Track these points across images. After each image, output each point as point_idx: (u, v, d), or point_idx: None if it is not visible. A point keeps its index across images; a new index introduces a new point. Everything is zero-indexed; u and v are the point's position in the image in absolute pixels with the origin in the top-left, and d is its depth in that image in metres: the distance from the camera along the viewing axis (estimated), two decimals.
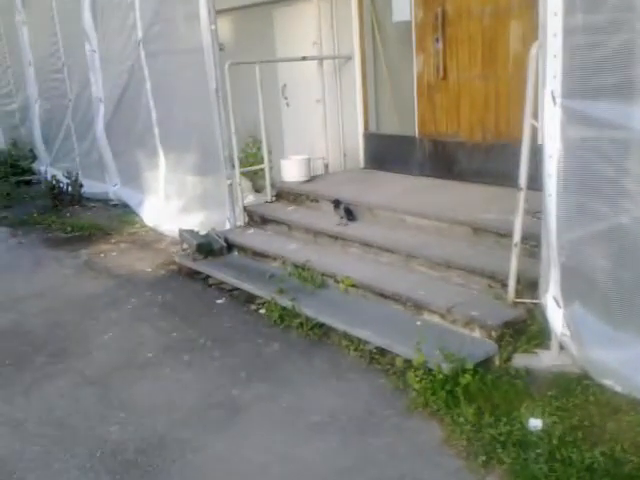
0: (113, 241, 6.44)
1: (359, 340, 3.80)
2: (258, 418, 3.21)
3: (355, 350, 3.76)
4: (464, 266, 4.00)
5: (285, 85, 6.58)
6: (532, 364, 3.37)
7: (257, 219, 5.75)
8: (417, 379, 3.28)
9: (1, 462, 2.98)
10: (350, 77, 6.16)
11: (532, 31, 4.59)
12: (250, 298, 4.67)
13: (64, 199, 7.90)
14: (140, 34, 6.33)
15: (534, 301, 3.55)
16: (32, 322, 4.56)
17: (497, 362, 3.41)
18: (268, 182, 5.93)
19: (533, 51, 3.10)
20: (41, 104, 9.34)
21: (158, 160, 6.64)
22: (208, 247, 5.38)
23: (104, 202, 7.91)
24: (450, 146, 5.42)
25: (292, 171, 5.91)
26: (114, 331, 4.32)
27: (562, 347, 3.33)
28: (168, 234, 6.31)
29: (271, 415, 3.23)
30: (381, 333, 3.73)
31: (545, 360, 3.37)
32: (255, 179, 6.71)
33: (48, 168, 9.20)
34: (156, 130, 6.53)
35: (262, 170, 6.03)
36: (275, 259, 5.03)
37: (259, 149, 7.03)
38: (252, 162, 6.45)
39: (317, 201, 5.52)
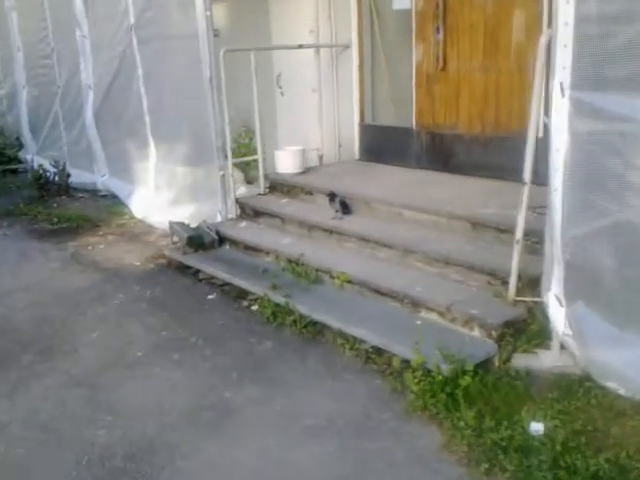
0: (101, 233, 6.28)
1: (355, 339, 3.69)
2: (251, 421, 3.09)
3: (351, 349, 3.65)
4: (463, 262, 3.90)
5: (280, 74, 6.42)
6: (532, 365, 3.28)
7: (249, 212, 5.61)
8: (415, 380, 3.18)
9: None
10: (347, 66, 6.01)
11: (536, 21, 4.50)
12: (242, 294, 4.54)
13: (51, 189, 7.70)
14: (132, 20, 6.15)
15: (535, 299, 3.45)
16: (18, 318, 4.42)
17: (497, 363, 3.31)
18: (261, 174, 5.79)
19: (543, 40, 2.98)
20: (29, 90, 9.13)
21: (148, 150, 6.48)
22: (199, 240, 5.24)
23: (92, 192, 7.73)
24: (448, 138, 5.30)
25: (286, 162, 5.77)
26: (102, 328, 4.19)
27: (563, 347, 3.24)
28: (158, 226, 6.17)
29: (264, 418, 3.11)
30: (378, 331, 3.62)
31: (546, 361, 3.28)
32: (247, 170, 6.55)
33: (35, 157, 9.01)
34: (147, 119, 6.36)
35: (254, 161, 5.89)
36: (268, 253, 4.90)
37: (251, 139, 6.85)
38: (244, 152, 6.30)
39: (311, 194, 5.39)
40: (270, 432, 3.00)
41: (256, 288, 4.42)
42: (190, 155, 5.93)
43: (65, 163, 7.94)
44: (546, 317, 3.32)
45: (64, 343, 4.00)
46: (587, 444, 2.68)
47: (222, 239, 5.33)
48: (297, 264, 4.51)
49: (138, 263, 5.39)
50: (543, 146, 3.19)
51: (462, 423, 2.88)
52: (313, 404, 3.21)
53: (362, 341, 3.65)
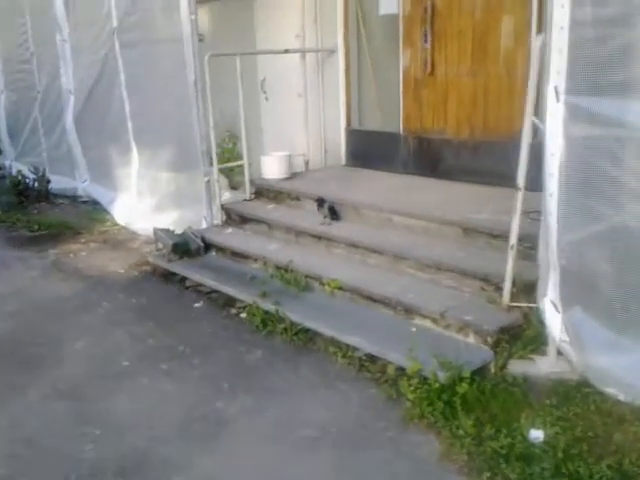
0: (83, 240, 6.14)
1: (348, 346, 3.62)
2: (245, 433, 3.01)
3: (343, 357, 3.59)
4: (455, 268, 3.86)
5: (264, 79, 6.36)
6: (529, 371, 3.24)
7: (235, 218, 5.53)
8: (411, 388, 3.13)
9: None
10: (333, 71, 5.96)
11: (524, 26, 4.50)
12: (230, 301, 4.46)
13: (30, 195, 7.53)
14: (115, 23, 6.05)
15: (530, 305, 3.42)
16: None
17: (493, 369, 3.27)
18: (247, 179, 5.71)
19: (537, 43, 2.96)
20: (7, 96, 8.94)
21: (131, 155, 6.36)
22: (184, 247, 5.15)
23: (73, 199, 7.57)
24: (436, 143, 5.27)
25: (272, 168, 5.70)
26: (86, 338, 4.07)
27: (560, 353, 3.21)
28: (141, 233, 6.05)
29: (258, 429, 3.03)
30: (371, 339, 3.56)
31: (542, 366, 3.25)
32: (231, 176, 6.48)
33: (13, 163, 8.80)
34: (129, 124, 6.25)
35: (239, 166, 5.81)
36: (256, 260, 4.83)
37: (235, 144, 6.79)
38: (228, 158, 6.22)
39: (299, 199, 5.33)
40: (265, 444, 2.92)
41: (244, 295, 4.34)
42: (174, 160, 5.83)
43: (45, 169, 7.77)
44: (541, 323, 3.29)
45: (48, 353, 3.87)
46: (589, 451, 2.65)
47: (208, 246, 5.24)
48: (286, 271, 4.44)
49: (122, 270, 5.28)
50: (534, 151, 3.18)
51: (461, 431, 2.83)
52: (307, 414, 3.13)
53: (355, 349, 3.59)
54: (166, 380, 3.51)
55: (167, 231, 5.31)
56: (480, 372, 3.20)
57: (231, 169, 6.15)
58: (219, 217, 5.57)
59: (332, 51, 5.93)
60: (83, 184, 7.50)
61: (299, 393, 3.33)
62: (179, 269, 5.01)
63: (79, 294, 4.81)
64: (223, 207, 5.58)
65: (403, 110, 5.46)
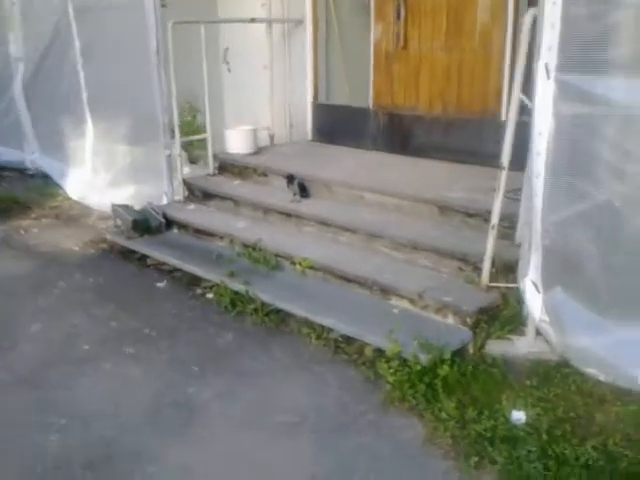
0: (33, 216, 5.79)
1: (322, 327, 3.51)
2: (220, 419, 2.86)
3: (318, 338, 3.47)
4: (431, 247, 3.79)
5: (227, 49, 6.09)
6: (508, 351, 3.21)
7: (198, 194, 5.31)
8: (391, 370, 3.04)
9: None
10: (300, 43, 5.77)
11: (502, 1, 4.41)
12: (194, 280, 4.27)
13: None
14: None
15: (509, 285, 3.39)
16: None
17: (471, 350, 3.22)
18: (210, 154, 5.49)
19: (528, 18, 2.86)
20: None
21: (85, 127, 6.00)
22: (145, 224, 4.91)
23: (20, 172, 7.11)
24: (407, 119, 5.17)
25: (237, 142, 5.49)
26: (43, 320, 3.82)
27: (538, 333, 3.19)
28: (96, 208, 5.75)
29: (233, 415, 2.89)
30: (347, 320, 3.45)
31: (521, 347, 3.22)
32: (190, 150, 6.21)
33: None
34: (84, 94, 5.88)
35: (200, 140, 5.58)
36: (221, 238, 4.64)
37: (194, 117, 6.53)
38: (187, 131, 5.96)
39: (266, 175, 5.15)
40: (241, 431, 2.79)
41: (211, 275, 4.16)
42: (132, 133, 5.53)
43: None
44: (520, 303, 3.27)
45: (1, 337, 3.61)
46: (572, 432, 2.63)
47: (169, 222, 5.02)
48: (254, 249, 4.28)
49: (77, 248, 5.00)
50: (516, 130, 3.13)
51: (444, 414, 2.78)
52: (283, 398, 3.02)
53: (330, 330, 3.48)
54: (132, 364, 3.32)
55: (126, 207, 5.06)
56: (459, 353, 3.14)
57: (190, 143, 5.90)
58: (180, 192, 5.35)
59: (300, 21, 5.72)
60: (32, 156, 7.06)
61: (273, 376, 3.21)
62: (139, 247, 4.77)
63: (33, 273, 4.53)
64: (185, 182, 5.35)
65: (373, 85, 5.33)
